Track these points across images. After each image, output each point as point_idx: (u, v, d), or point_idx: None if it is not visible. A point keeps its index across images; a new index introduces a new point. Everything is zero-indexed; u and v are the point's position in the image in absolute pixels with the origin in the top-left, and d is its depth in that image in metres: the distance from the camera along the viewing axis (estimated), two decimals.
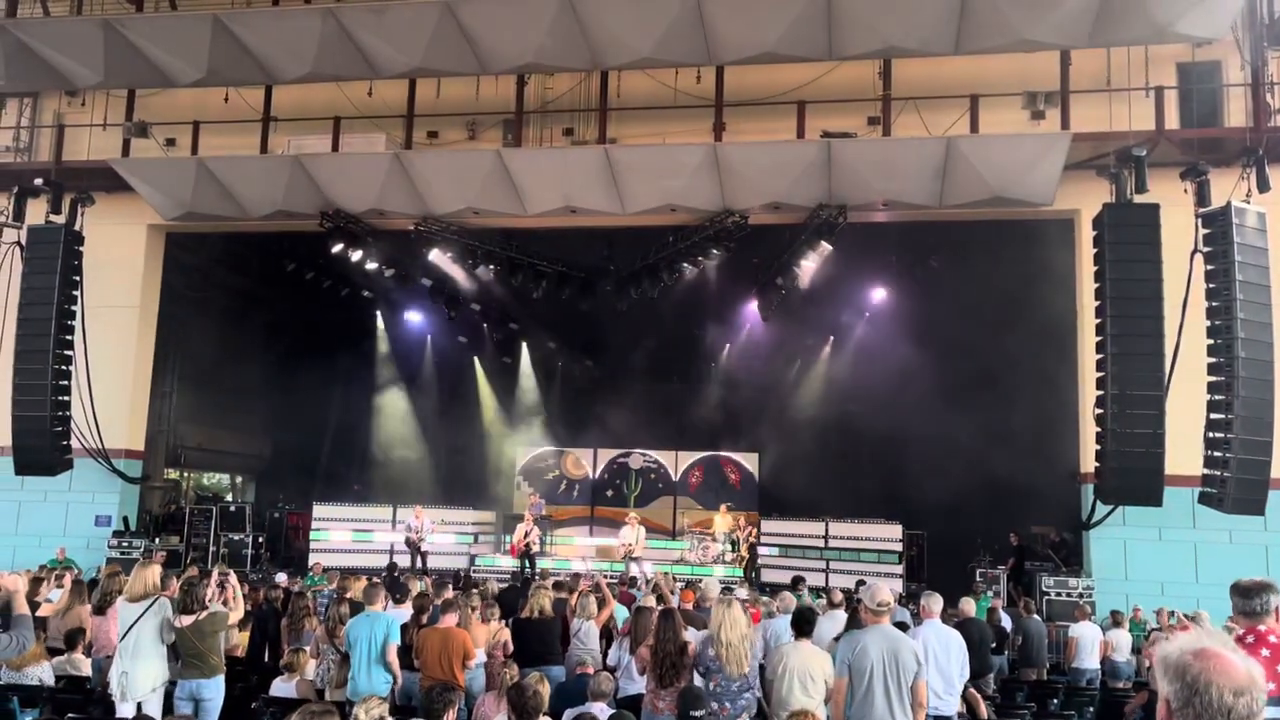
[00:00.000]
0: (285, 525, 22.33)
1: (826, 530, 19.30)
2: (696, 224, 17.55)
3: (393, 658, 7.90)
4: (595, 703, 6.50)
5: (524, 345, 25.88)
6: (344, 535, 20.60)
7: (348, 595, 10.42)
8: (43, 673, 8.06)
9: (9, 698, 7.39)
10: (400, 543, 19.44)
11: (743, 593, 13.44)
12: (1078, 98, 15.73)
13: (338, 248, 18.71)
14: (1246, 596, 4.19)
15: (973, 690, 8.14)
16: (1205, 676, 2.02)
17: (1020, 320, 17.57)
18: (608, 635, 10.02)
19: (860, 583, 14.11)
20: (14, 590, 5.91)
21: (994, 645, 11.31)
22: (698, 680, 6.86)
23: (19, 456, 17.23)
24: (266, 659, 10.35)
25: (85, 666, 8.70)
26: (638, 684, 8.03)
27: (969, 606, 10.93)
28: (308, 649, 8.94)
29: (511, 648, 9.02)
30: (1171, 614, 13.28)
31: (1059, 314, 17.05)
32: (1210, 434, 13.59)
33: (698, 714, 5.89)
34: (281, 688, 8.23)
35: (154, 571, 7.88)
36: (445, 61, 16.26)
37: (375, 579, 9.75)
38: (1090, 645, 11.82)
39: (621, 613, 10.90)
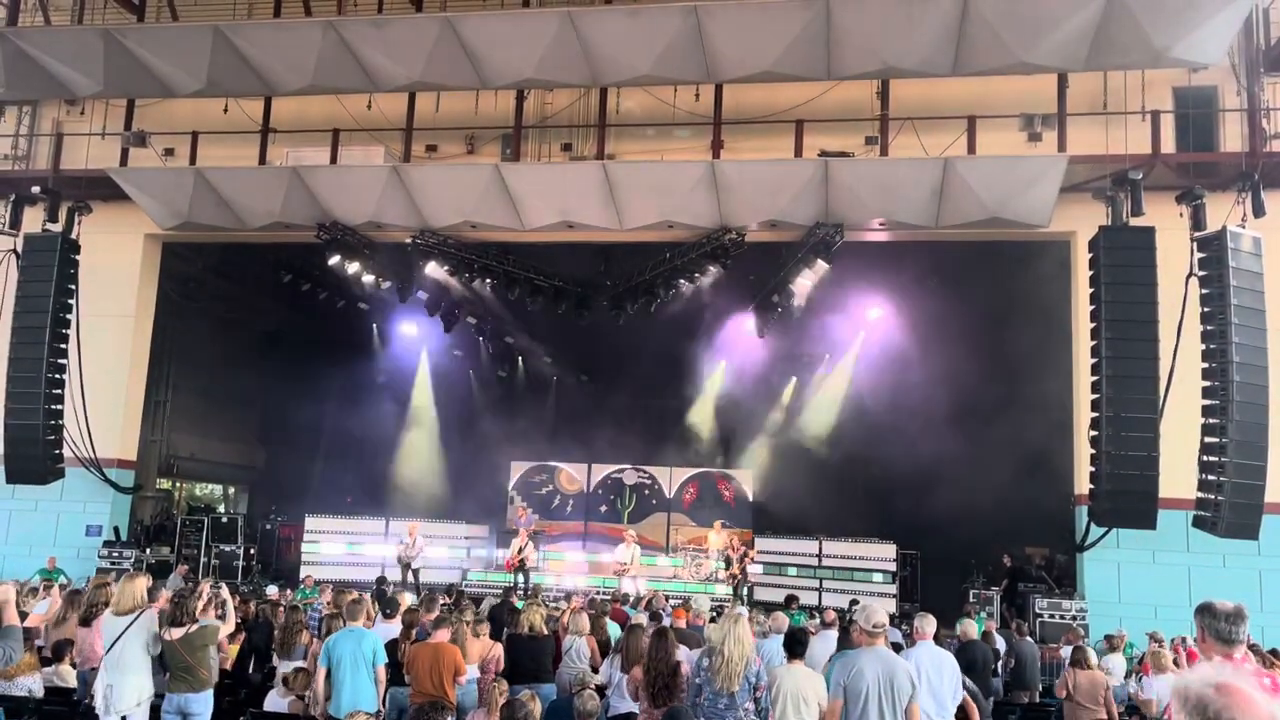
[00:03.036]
0: (277, 537, 22.25)
1: (820, 549, 19.25)
2: (693, 241, 17.57)
3: (382, 678, 7.84)
4: None
5: (519, 359, 25.86)
6: (336, 548, 20.52)
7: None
8: (32, 683, 7.98)
9: None
10: (392, 557, 19.36)
11: (742, 610, 13.38)
12: (1074, 120, 15.81)
13: (334, 259, 18.71)
14: (1224, 621, 4.03)
15: (968, 697, 8.10)
16: (1228, 713, 1.95)
17: (1016, 341, 17.59)
18: None
19: (854, 602, 14.07)
20: (4, 601, 5.87)
21: (992, 668, 11.26)
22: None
23: (11, 465, 17.17)
24: (254, 672, 10.28)
25: (71, 678, 8.62)
26: (629, 703, 7.98)
27: (971, 629, 10.89)
28: (304, 664, 8.86)
29: (503, 664, 8.98)
30: (1159, 640, 13.19)
31: (1054, 335, 17.09)
32: (1204, 458, 13.61)
33: None
34: (276, 702, 8.17)
35: (141, 584, 7.80)
36: (445, 75, 16.30)
37: (359, 594, 9.67)
38: None
39: (615, 630, 10.86)
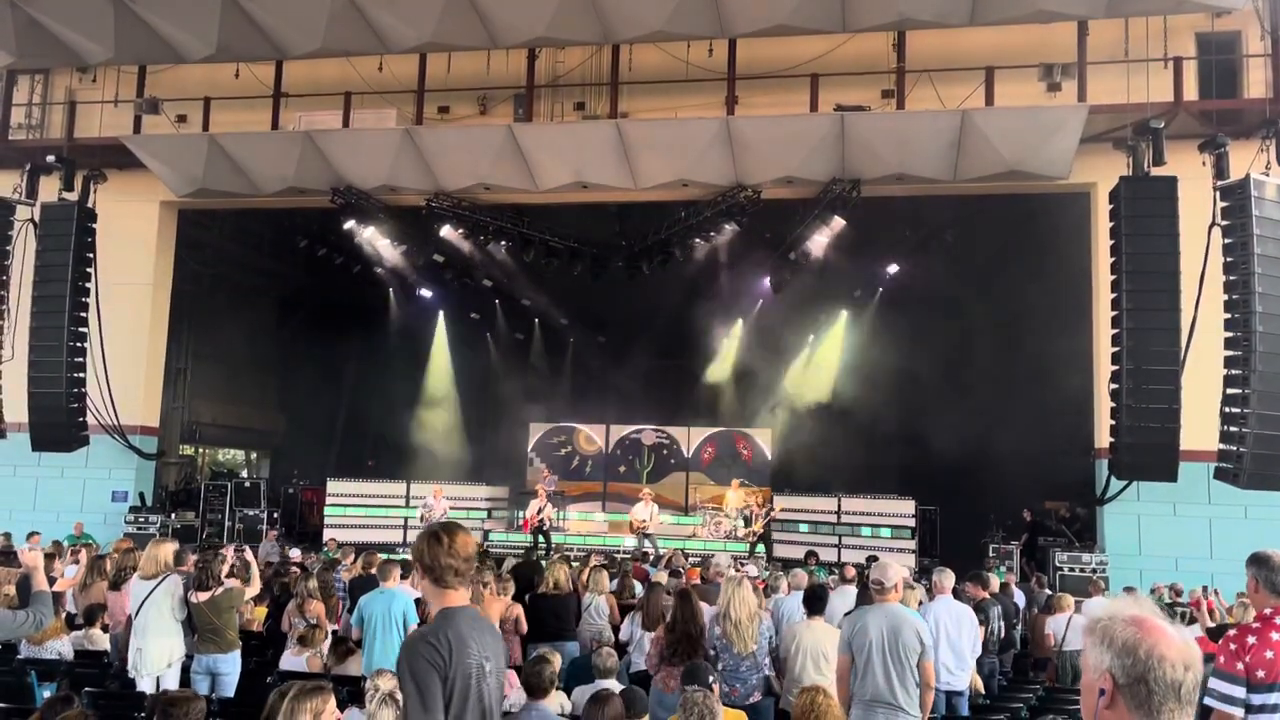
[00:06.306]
0: (300, 501, 22.45)
1: (839, 505, 19.29)
2: (709, 199, 17.46)
3: None
4: (605, 679, 6.51)
5: (536, 321, 25.86)
6: (358, 511, 20.70)
7: (372, 571, 10.46)
8: (62, 647, 8.14)
9: (27, 672, 7.47)
10: (414, 519, 19.54)
11: (754, 569, 13.45)
12: (1095, 69, 15.52)
13: (349, 224, 18.71)
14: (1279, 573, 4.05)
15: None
16: (1156, 650, 1.91)
17: (1035, 294, 17.46)
18: None
19: (872, 558, 14.11)
20: (34, 566, 5.95)
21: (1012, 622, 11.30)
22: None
23: (36, 433, 17.36)
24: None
25: (103, 641, 8.78)
26: None
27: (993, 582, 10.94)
28: (316, 621, 8.93)
29: (525, 624, 9.06)
30: (1178, 592, 13.18)
31: (1074, 288, 16.93)
32: (1226, 409, 13.48)
33: (691, 688, 5.87)
34: (291, 661, 8.26)
35: (167, 549, 7.92)
36: (456, 36, 16.16)
37: (389, 556, 9.77)
38: None
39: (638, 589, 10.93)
